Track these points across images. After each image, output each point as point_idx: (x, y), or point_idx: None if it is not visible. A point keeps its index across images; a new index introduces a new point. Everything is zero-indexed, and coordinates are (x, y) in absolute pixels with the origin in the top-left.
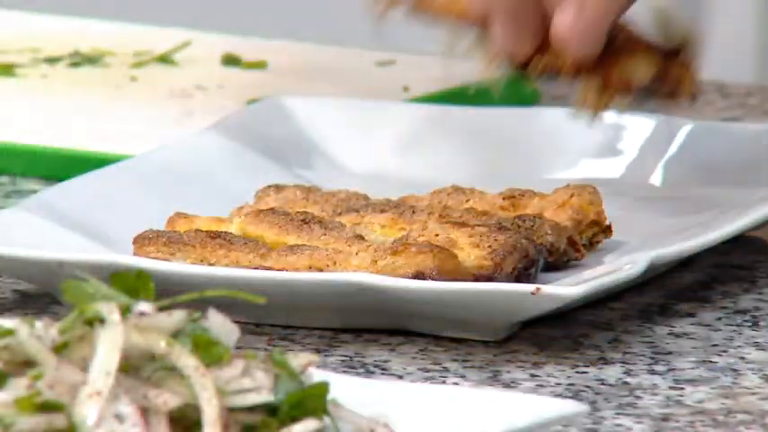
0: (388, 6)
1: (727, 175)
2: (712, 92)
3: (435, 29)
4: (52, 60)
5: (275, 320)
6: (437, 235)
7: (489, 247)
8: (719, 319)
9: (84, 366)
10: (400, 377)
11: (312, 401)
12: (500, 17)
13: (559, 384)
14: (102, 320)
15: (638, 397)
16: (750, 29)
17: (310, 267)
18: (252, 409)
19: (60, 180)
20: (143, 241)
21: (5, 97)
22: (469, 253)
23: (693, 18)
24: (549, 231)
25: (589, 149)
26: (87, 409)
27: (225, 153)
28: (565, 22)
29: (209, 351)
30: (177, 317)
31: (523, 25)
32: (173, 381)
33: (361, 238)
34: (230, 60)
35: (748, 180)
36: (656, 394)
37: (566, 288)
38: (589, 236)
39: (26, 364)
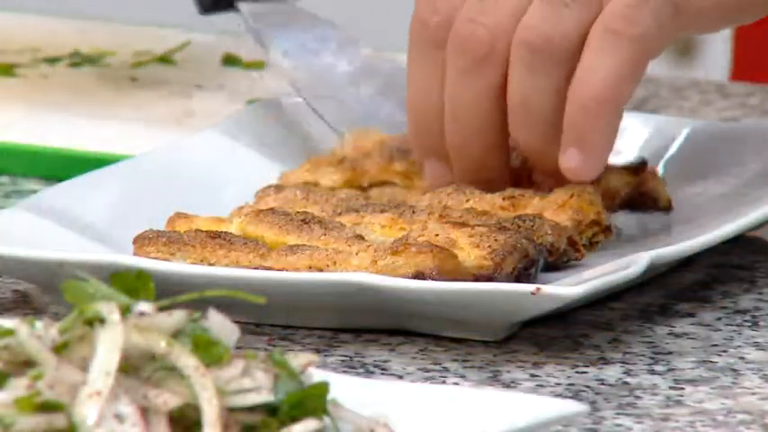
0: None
1: (727, 175)
2: (712, 92)
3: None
4: (52, 60)
5: (275, 320)
6: (437, 235)
7: (489, 247)
8: (719, 319)
9: (84, 366)
10: (400, 377)
11: (312, 401)
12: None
13: (559, 384)
14: (102, 320)
15: (638, 397)
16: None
17: (310, 267)
18: (252, 409)
19: (60, 180)
20: (143, 241)
21: (5, 97)
22: (469, 253)
23: None
24: (549, 231)
25: None
26: (87, 409)
27: (225, 153)
28: (571, 164)
29: (209, 351)
30: (177, 317)
31: (491, 183)
32: (173, 381)
33: (361, 238)
34: (230, 60)
35: (748, 180)
36: (656, 394)
37: (566, 288)
38: (589, 236)
39: (26, 364)
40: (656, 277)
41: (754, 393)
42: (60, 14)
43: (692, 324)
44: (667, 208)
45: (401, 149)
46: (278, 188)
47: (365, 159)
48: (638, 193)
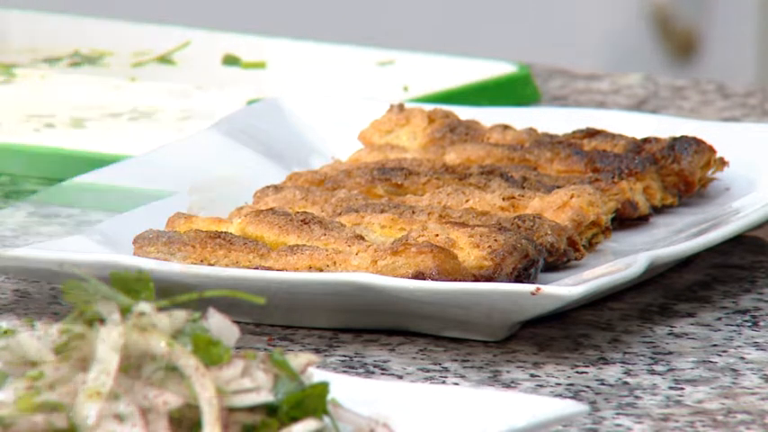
0: None
1: (727, 176)
2: (712, 92)
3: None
4: (52, 60)
5: (275, 320)
6: (437, 235)
7: (489, 247)
8: (719, 319)
9: (85, 366)
10: (400, 377)
11: (312, 401)
12: None
13: (559, 384)
14: (102, 320)
15: (638, 397)
16: (750, 30)
17: (310, 267)
18: (252, 409)
19: (60, 180)
20: (143, 241)
21: (5, 98)
22: (469, 253)
23: (694, 19)
24: (549, 231)
25: None
26: (87, 410)
27: (224, 153)
28: None
29: (209, 351)
30: (177, 317)
31: None
32: (173, 381)
33: (361, 238)
34: (230, 60)
35: (749, 180)
36: (656, 394)
37: (566, 288)
38: (588, 237)
39: (26, 364)
40: (656, 277)
41: (754, 393)
42: (60, 14)
43: (692, 324)
44: (646, 216)
45: (382, 170)
46: (277, 188)
47: (347, 179)
48: (619, 202)
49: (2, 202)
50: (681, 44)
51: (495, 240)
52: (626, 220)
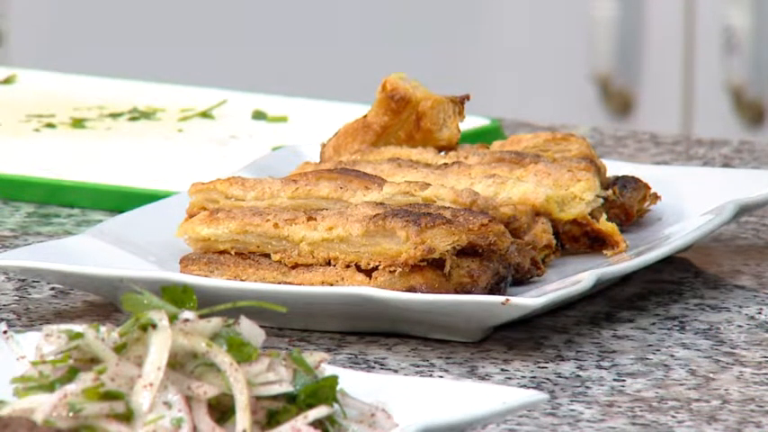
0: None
1: (659, 208)
2: (647, 141)
3: None
4: (115, 115)
5: (294, 325)
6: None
7: (468, 266)
8: (654, 324)
9: (140, 363)
10: (396, 371)
11: (324, 391)
12: None
13: (524, 377)
14: (154, 326)
15: (588, 387)
16: (675, 91)
17: (323, 282)
18: (275, 397)
19: (121, 212)
20: (188, 261)
21: (77, 145)
22: (452, 271)
23: (630, 83)
24: (516, 254)
25: None
26: (142, 398)
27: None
28: None
29: (240, 350)
30: (215, 323)
31: None
32: (211, 375)
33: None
34: (258, 115)
35: (676, 212)
36: (602, 385)
37: (530, 299)
38: (542, 257)
39: (92, 361)
40: (602, 290)
41: (681, 384)
42: (120, 77)
43: (632, 328)
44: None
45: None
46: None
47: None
48: (590, 237)
49: (74, 230)
50: (620, 103)
51: (473, 261)
52: (602, 251)
